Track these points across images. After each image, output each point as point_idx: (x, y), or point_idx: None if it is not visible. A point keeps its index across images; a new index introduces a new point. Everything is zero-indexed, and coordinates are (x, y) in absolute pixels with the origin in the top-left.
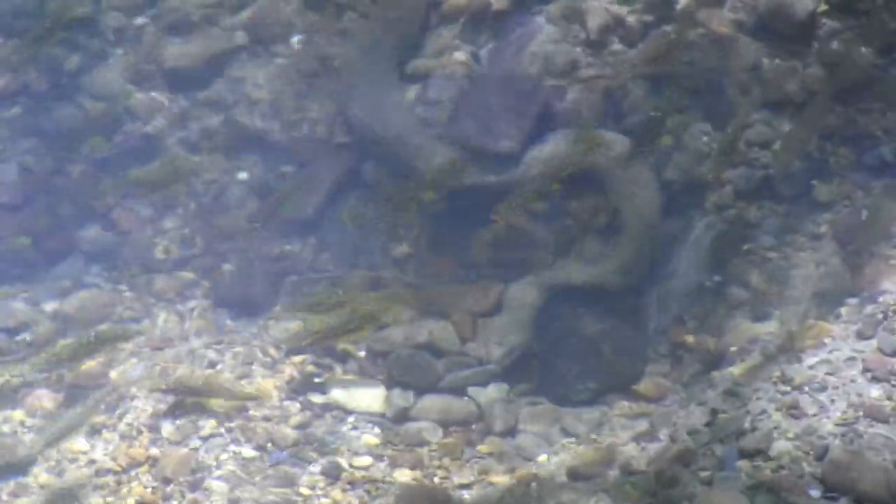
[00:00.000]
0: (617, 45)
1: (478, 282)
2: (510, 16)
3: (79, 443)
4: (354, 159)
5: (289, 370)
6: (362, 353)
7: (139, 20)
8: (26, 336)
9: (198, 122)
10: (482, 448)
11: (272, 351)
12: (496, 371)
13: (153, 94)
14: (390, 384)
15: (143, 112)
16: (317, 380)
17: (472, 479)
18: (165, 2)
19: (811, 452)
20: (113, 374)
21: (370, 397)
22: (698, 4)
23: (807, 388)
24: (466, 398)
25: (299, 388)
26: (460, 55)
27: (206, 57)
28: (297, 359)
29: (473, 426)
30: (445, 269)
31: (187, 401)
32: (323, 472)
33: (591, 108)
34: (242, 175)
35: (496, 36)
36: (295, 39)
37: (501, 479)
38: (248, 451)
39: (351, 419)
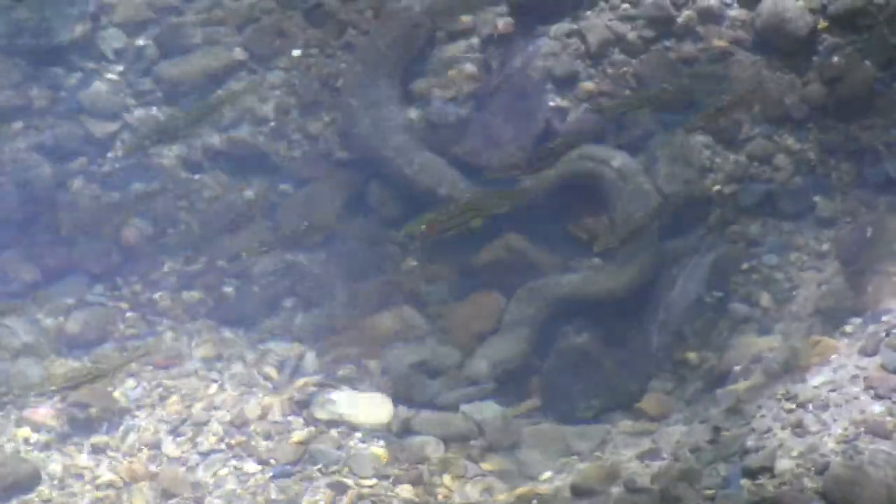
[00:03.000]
0: (617, 59)
1: (477, 296)
2: (514, 38)
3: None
4: (359, 177)
5: (292, 387)
6: (366, 370)
7: (139, 39)
8: None
9: (199, 140)
10: (484, 465)
11: (276, 368)
12: (491, 389)
13: (153, 111)
14: (391, 400)
15: (143, 129)
16: (320, 396)
17: (474, 496)
18: (165, 20)
19: (813, 469)
20: (116, 394)
21: (372, 413)
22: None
23: (811, 406)
24: (461, 414)
25: (302, 403)
26: (469, 67)
27: (206, 73)
28: (301, 377)
29: (473, 442)
30: (448, 278)
31: None
32: (324, 489)
33: (591, 126)
34: (249, 193)
35: (503, 50)
36: (296, 54)
37: (503, 497)
38: (249, 467)
39: (353, 434)
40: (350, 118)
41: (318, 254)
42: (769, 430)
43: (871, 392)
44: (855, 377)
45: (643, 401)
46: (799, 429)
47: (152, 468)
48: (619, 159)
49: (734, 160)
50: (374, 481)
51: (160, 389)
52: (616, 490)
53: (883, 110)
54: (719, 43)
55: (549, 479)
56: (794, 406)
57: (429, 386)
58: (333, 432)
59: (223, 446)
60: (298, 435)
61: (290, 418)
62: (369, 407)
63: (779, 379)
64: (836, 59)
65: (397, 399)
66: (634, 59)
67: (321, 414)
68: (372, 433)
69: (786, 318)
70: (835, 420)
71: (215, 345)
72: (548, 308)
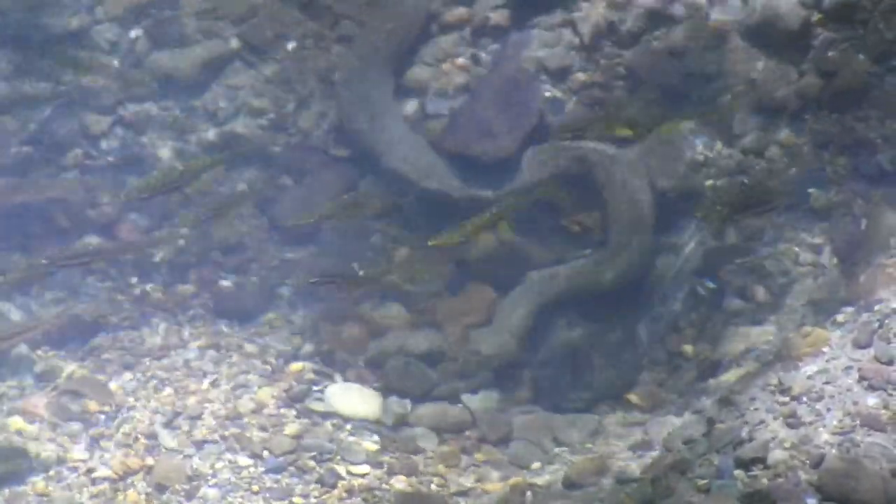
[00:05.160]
0: (609, 51)
1: (470, 291)
2: (508, 29)
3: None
4: (353, 171)
5: (287, 379)
6: (361, 362)
7: (133, 31)
8: None
9: (193, 133)
10: (477, 456)
11: (271, 360)
12: (488, 381)
13: (147, 103)
14: (386, 392)
15: (137, 122)
16: (315, 387)
17: (467, 486)
18: (160, 12)
19: (808, 461)
20: (109, 385)
21: (367, 405)
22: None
23: (804, 398)
24: (460, 405)
25: (297, 395)
26: (461, 60)
27: (201, 65)
28: (296, 366)
29: (467, 433)
30: (442, 273)
31: None
32: (319, 481)
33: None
34: (241, 186)
35: (496, 42)
36: (290, 46)
37: (496, 487)
38: (243, 460)
39: (348, 426)
40: (345, 112)
41: (309, 247)
42: (762, 421)
43: (865, 383)
44: (848, 368)
45: (634, 392)
46: (792, 420)
47: (148, 459)
48: (612, 153)
49: (728, 153)
50: (367, 470)
51: (155, 381)
52: (607, 481)
53: (877, 103)
54: (712, 36)
55: (540, 470)
56: (787, 398)
57: (425, 377)
58: (327, 424)
59: (218, 438)
60: (292, 427)
61: (283, 410)
62: (363, 399)
63: (772, 370)
64: (830, 52)
65: (391, 391)
66: (626, 51)
67: (315, 406)
68: (365, 425)
69: (780, 309)
70: (829, 411)
71: (210, 337)
72: (540, 301)
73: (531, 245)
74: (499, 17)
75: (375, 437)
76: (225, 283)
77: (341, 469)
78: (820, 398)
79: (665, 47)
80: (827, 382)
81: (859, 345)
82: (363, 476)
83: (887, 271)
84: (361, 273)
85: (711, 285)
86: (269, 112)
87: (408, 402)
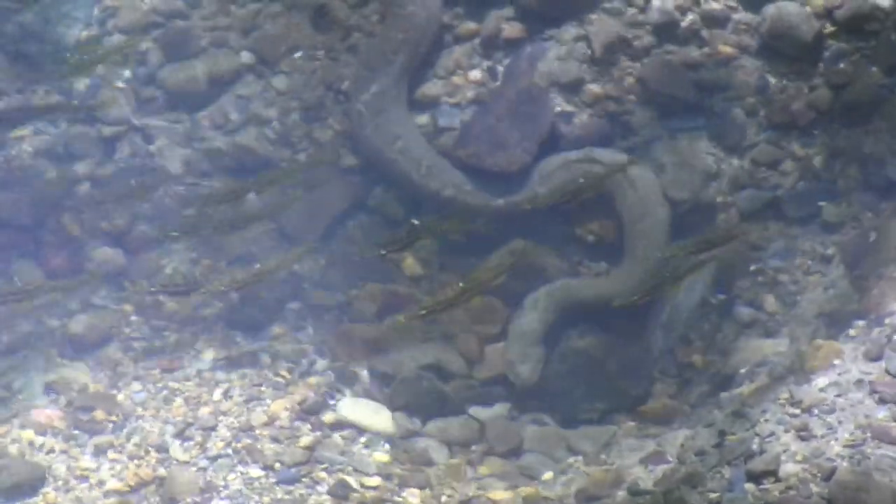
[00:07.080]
0: (623, 65)
1: (482, 300)
2: (521, 42)
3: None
4: (363, 182)
5: (300, 391)
6: (373, 375)
7: (144, 43)
8: None
9: (202, 143)
10: (482, 469)
11: (283, 372)
12: (498, 393)
13: (158, 114)
14: (395, 406)
15: (148, 132)
16: (328, 400)
17: (477, 496)
18: (171, 23)
19: (819, 474)
20: (120, 397)
21: (378, 418)
22: (702, 25)
23: (816, 411)
24: (468, 416)
25: (310, 407)
26: (475, 73)
27: (211, 77)
28: (310, 379)
29: (476, 446)
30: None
31: None
32: (331, 492)
33: (598, 131)
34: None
35: (509, 55)
36: (299, 56)
37: (508, 497)
38: (255, 471)
39: (361, 439)
40: (356, 122)
41: (318, 258)
42: (773, 434)
43: (876, 396)
44: (860, 381)
45: (647, 404)
46: (804, 433)
47: (160, 471)
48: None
49: (738, 165)
50: (378, 482)
51: (165, 392)
52: (621, 494)
53: (888, 115)
54: (724, 49)
55: (552, 482)
56: (798, 410)
57: (436, 390)
58: (339, 437)
59: (230, 451)
60: (305, 440)
61: (297, 423)
62: (374, 412)
63: (784, 382)
64: (842, 64)
65: (402, 405)
66: (638, 64)
67: (327, 419)
68: (377, 438)
69: (791, 321)
70: (840, 424)
71: (220, 348)
72: (557, 310)
73: (545, 254)
74: (511, 30)
75: (387, 449)
76: (235, 294)
77: (353, 481)
78: (832, 411)
79: (679, 60)
80: (839, 395)
81: (871, 357)
82: (374, 488)
83: None
84: (417, 223)
85: (722, 296)
86: (277, 123)
87: (417, 415)
